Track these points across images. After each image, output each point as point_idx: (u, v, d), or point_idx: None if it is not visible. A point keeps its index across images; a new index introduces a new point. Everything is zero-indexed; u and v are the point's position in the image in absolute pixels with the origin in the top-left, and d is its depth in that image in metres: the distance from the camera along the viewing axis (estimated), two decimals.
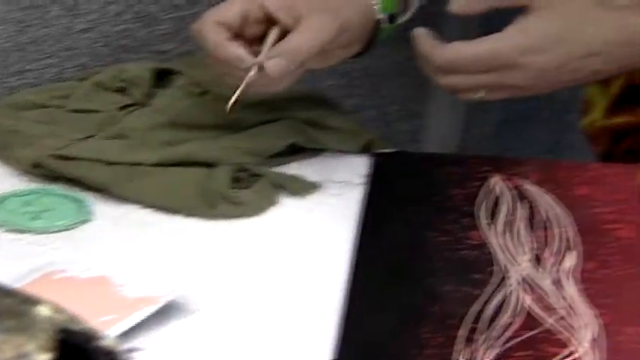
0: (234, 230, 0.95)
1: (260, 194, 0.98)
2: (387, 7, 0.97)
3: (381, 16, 0.97)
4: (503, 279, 0.85)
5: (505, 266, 0.87)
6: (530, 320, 0.81)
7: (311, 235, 0.95)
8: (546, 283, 0.85)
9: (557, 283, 0.85)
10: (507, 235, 0.91)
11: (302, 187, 1.01)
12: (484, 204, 0.95)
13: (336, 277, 0.88)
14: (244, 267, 0.90)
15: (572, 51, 0.88)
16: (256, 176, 1.00)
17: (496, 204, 0.94)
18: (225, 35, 0.92)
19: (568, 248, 0.89)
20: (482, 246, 0.89)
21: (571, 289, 0.84)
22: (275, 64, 0.91)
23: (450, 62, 0.90)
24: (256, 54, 0.92)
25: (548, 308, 0.83)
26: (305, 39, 0.91)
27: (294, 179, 1.02)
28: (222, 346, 0.80)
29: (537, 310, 0.82)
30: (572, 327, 0.81)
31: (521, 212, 0.93)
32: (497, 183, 0.97)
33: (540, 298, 0.84)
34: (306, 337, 0.81)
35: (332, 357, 0.77)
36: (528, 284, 0.85)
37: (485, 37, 0.89)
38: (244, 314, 0.84)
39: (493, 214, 0.93)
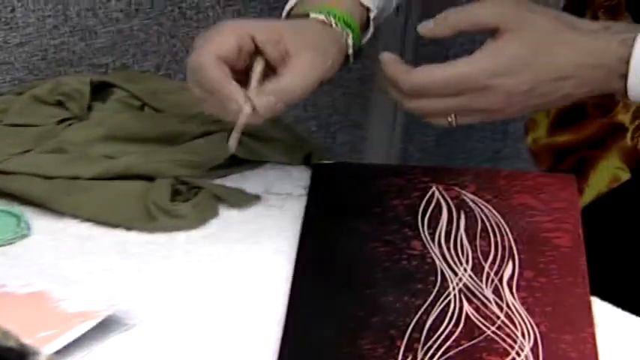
0: (175, 243, 0.95)
1: (200, 207, 0.98)
2: (356, 41, 0.96)
3: (351, 51, 0.96)
4: (444, 288, 0.86)
5: (446, 276, 0.87)
6: (471, 329, 0.82)
7: (252, 247, 0.94)
8: (486, 293, 0.86)
9: (497, 292, 0.86)
10: (448, 244, 0.91)
11: (242, 200, 1.01)
12: (425, 214, 0.95)
13: (277, 289, 0.88)
14: (185, 280, 0.90)
15: (542, 74, 0.87)
16: (196, 189, 1.00)
17: (437, 214, 0.95)
18: (227, 72, 0.89)
19: (507, 257, 0.89)
20: (424, 256, 0.89)
21: (510, 298, 0.85)
22: (267, 103, 0.89)
23: (418, 86, 0.89)
24: (241, 82, 0.91)
25: (488, 317, 0.83)
26: (297, 80, 0.90)
27: (235, 191, 1.01)
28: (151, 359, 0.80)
29: (477, 319, 0.83)
30: (512, 336, 0.81)
31: (462, 222, 0.94)
32: (437, 193, 0.97)
33: (480, 308, 0.84)
34: (246, 349, 0.81)
35: None
36: (469, 293, 0.85)
37: (453, 61, 0.88)
38: (185, 328, 0.84)
39: (434, 224, 0.94)
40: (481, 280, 0.87)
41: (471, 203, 0.96)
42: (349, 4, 0.96)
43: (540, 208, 0.94)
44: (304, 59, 0.91)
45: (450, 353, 0.80)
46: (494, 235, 0.92)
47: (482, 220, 0.94)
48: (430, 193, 0.98)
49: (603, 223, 0.97)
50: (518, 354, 0.79)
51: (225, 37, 0.90)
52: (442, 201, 0.97)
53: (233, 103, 0.88)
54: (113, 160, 1.03)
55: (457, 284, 0.86)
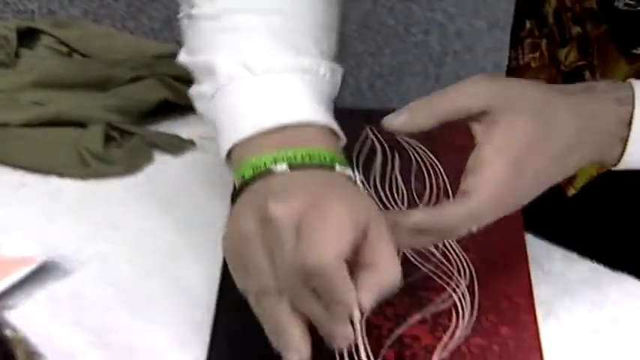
0: (110, 189, 0.94)
1: (133, 152, 0.97)
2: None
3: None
4: None
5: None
6: (408, 268, 0.83)
7: (187, 193, 0.94)
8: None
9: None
10: (383, 186, 0.91)
11: (176, 145, 1.00)
12: (359, 157, 0.95)
13: (213, 234, 0.88)
14: (121, 226, 0.89)
15: (554, 151, 0.74)
16: (129, 135, 0.99)
17: (371, 156, 0.95)
18: (346, 272, 0.70)
19: (442, 197, 0.90)
20: None
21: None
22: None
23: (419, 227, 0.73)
24: None
25: (425, 256, 0.84)
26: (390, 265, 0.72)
27: (169, 137, 1.01)
28: (98, 305, 0.80)
29: (413, 257, 0.84)
30: (448, 273, 0.82)
31: (396, 163, 0.94)
32: (371, 135, 0.98)
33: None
34: (184, 295, 0.81)
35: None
36: None
37: (452, 203, 0.73)
38: (122, 273, 0.84)
39: (368, 166, 0.94)
40: None
41: (405, 144, 0.96)
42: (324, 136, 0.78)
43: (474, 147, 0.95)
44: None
45: None
46: (429, 176, 0.93)
47: (417, 161, 0.95)
48: (364, 135, 0.98)
49: (594, 208, 0.97)
50: (454, 290, 0.81)
51: (342, 233, 0.68)
52: (376, 143, 0.97)
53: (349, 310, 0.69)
54: (43, 106, 1.01)
55: None
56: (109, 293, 0.81)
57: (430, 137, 0.97)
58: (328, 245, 0.67)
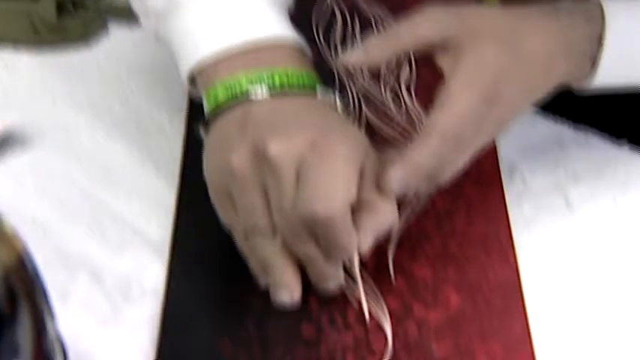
0: (67, 62, 0.92)
1: (87, 21, 0.95)
2: None
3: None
4: (342, 95, 0.85)
5: (344, 83, 0.87)
6: (371, 133, 0.82)
7: (146, 65, 0.92)
8: (385, 97, 0.86)
9: (396, 96, 0.86)
10: (344, 50, 0.90)
11: (133, 15, 0.98)
12: (318, 22, 0.94)
13: (175, 102, 0.87)
14: (79, 99, 0.88)
15: (531, 73, 0.70)
16: (83, 8, 0.97)
17: (331, 21, 0.94)
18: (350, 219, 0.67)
19: (403, 60, 0.89)
20: (320, 64, 0.89)
21: (410, 102, 0.86)
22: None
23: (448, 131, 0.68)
24: None
25: (389, 119, 0.84)
26: None
27: (124, 8, 0.99)
28: (61, 176, 0.79)
29: (378, 122, 0.83)
30: (412, 134, 0.82)
31: (356, 28, 0.93)
32: (329, 0, 0.96)
33: (380, 111, 0.85)
34: (146, 166, 0.81)
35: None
36: (367, 98, 0.86)
37: (420, 147, 0.68)
38: (82, 144, 0.83)
39: (328, 32, 0.93)
40: (379, 86, 0.87)
41: (365, 7, 0.95)
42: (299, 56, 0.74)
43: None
44: None
45: None
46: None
47: (377, 25, 0.94)
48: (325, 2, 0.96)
49: None
50: None
51: (348, 184, 0.66)
52: (336, 8, 0.96)
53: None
54: None
55: (356, 90, 0.86)
56: (71, 163, 0.80)
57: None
58: (336, 194, 0.65)
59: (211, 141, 0.70)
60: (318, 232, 0.66)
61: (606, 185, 0.78)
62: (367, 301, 0.69)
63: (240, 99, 0.69)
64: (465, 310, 0.68)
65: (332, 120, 0.70)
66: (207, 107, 0.71)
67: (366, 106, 0.85)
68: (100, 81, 0.90)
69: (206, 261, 0.72)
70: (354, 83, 0.87)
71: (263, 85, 0.70)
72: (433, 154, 0.67)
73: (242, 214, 0.67)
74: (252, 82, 0.70)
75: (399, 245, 0.73)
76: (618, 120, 0.86)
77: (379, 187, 0.68)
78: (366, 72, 0.88)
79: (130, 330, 0.66)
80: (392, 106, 0.85)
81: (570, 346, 0.66)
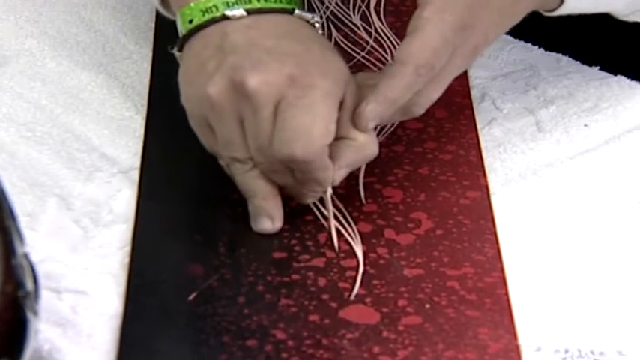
0: None
1: None
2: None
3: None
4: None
5: (313, 5, 0.86)
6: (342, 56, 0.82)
7: None
8: (354, 19, 0.85)
9: (365, 18, 0.85)
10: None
11: None
12: None
13: (142, 22, 0.86)
14: (43, 21, 0.86)
15: None
16: None
17: None
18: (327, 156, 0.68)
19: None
20: None
21: (378, 23, 0.85)
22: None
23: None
24: None
25: (357, 43, 0.83)
26: None
27: None
28: (27, 100, 0.78)
29: (347, 45, 0.83)
30: (382, 60, 0.82)
31: None
32: None
33: (349, 34, 0.84)
34: (113, 90, 0.80)
35: None
36: (337, 21, 0.85)
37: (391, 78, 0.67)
38: (48, 68, 0.82)
39: None
40: (348, 8, 0.87)
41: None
42: None
43: None
44: None
45: None
46: None
47: None
48: None
49: None
50: None
51: (329, 123, 0.66)
52: None
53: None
54: None
55: (324, 12, 0.86)
56: (37, 88, 0.79)
57: None
58: (315, 136, 0.65)
59: (187, 64, 0.69)
60: (295, 168, 0.66)
61: (577, 107, 0.78)
62: (338, 224, 0.69)
63: (216, 18, 0.68)
64: (435, 233, 0.68)
65: (312, 45, 0.68)
66: (181, 28, 0.70)
67: (335, 28, 0.84)
68: (64, 4, 0.88)
69: (176, 186, 0.71)
70: (323, 5, 0.86)
71: (239, 3, 0.68)
72: (407, 85, 0.66)
73: (221, 145, 0.67)
74: (227, 4, 0.68)
75: (370, 169, 0.72)
76: (591, 45, 0.86)
77: (355, 123, 0.67)
78: None
79: (101, 255, 0.66)
80: (360, 27, 0.84)
81: (541, 268, 0.66)
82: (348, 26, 0.85)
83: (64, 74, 0.81)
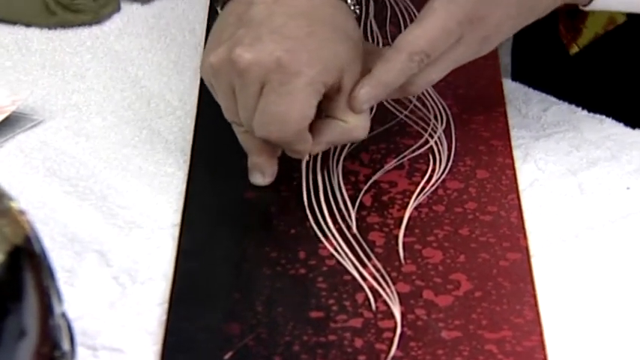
0: (78, 39, 0.92)
1: (100, 1, 0.95)
2: None
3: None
4: None
5: None
6: (383, 115, 0.82)
7: (157, 42, 0.92)
8: None
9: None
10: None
11: None
12: None
13: (185, 79, 0.87)
14: (90, 76, 0.88)
15: None
16: None
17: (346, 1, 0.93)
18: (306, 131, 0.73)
19: None
20: None
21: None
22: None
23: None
24: None
25: (400, 101, 0.83)
26: None
27: None
28: (70, 156, 0.79)
29: (389, 103, 0.83)
30: (424, 118, 0.82)
31: (370, 8, 0.93)
32: None
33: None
34: (156, 145, 0.80)
35: None
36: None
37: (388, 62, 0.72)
38: (92, 122, 0.82)
39: None
40: None
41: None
42: None
43: None
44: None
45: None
46: (404, 20, 0.91)
47: (392, 5, 0.93)
48: None
49: (598, 65, 0.94)
50: (431, 135, 0.80)
51: (312, 102, 0.71)
52: None
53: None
54: None
55: None
56: (81, 143, 0.80)
57: None
58: (290, 120, 0.70)
59: (215, 25, 0.74)
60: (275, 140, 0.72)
61: (620, 170, 0.77)
62: (376, 284, 0.68)
63: None
64: (474, 295, 0.67)
65: (320, 28, 0.72)
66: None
67: None
68: (111, 59, 0.89)
69: (215, 243, 0.71)
70: None
71: None
72: (400, 70, 0.71)
73: (222, 108, 0.74)
74: None
75: (410, 229, 0.72)
76: (634, 107, 0.86)
77: (349, 104, 0.72)
78: None
79: (138, 312, 0.66)
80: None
81: (581, 332, 0.65)
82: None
83: (109, 129, 0.82)
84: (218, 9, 0.76)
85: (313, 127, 0.73)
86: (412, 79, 0.72)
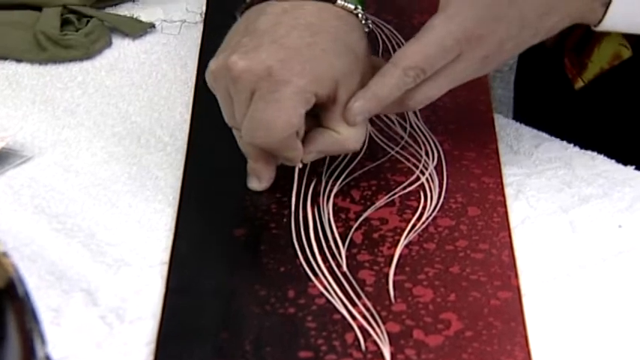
0: (69, 75, 0.92)
1: (92, 36, 0.95)
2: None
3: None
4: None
5: None
6: (375, 150, 0.81)
7: (149, 77, 0.92)
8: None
9: (401, 112, 0.85)
10: None
11: (136, 28, 0.97)
12: None
13: (176, 116, 0.86)
14: (81, 112, 0.87)
15: (528, 10, 0.73)
16: (87, 18, 0.96)
17: None
18: (294, 139, 0.75)
19: None
20: None
21: (413, 118, 0.85)
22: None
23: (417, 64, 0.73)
24: None
25: (392, 138, 0.83)
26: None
27: (128, 20, 0.98)
28: (59, 192, 0.78)
29: (381, 140, 0.83)
30: (416, 155, 0.81)
31: None
32: None
33: (384, 129, 0.84)
34: (150, 181, 0.80)
35: None
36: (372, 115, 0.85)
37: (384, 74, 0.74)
38: (82, 158, 0.82)
39: None
40: None
41: (371, 24, 0.94)
42: None
43: None
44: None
45: (355, 174, 0.79)
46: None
47: (384, 41, 0.93)
48: None
49: (603, 100, 0.94)
50: (422, 172, 0.80)
51: (297, 109, 0.72)
52: None
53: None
54: None
55: None
56: (70, 180, 0.79)
57: (397, 17, 0.95)
58: (276, 128, 0.72)
59: (229, 32, 0.76)
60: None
61: (612, 207, 0.77)
62: (366, 324, 0.68)
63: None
64: (465, 334, 0.67)
65: (321, 40, 0.73)
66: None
67: (370, 122, 0.84)
68: (102, 95, 0.89)
69: (204, 281, 0.71)
70: None
71: None
72: (395, 85, 0.73)
73: (222, 113, 0.75)
74: None
75: (400, 267, 0.71)
76: (626, 144, 0.85)
77: (344, 116, 0.74)
78: None
79: (125, 352, 0.65)
80: (396, 122, 0.84)
81: None
82: (383, 121, 0.84)
83: (98, 165, 0.81)
84: (237, 16, 0.78)
85: (306, 136, 0.75)
86: (410, 95, 0.74)
